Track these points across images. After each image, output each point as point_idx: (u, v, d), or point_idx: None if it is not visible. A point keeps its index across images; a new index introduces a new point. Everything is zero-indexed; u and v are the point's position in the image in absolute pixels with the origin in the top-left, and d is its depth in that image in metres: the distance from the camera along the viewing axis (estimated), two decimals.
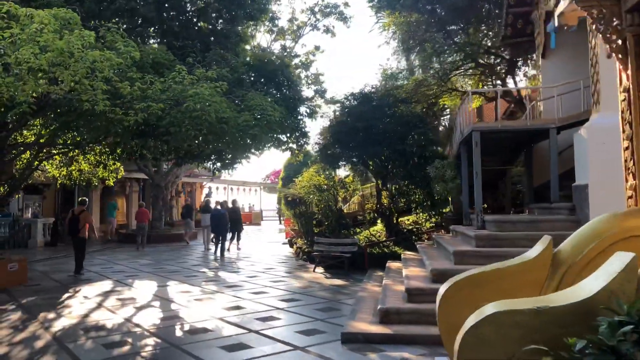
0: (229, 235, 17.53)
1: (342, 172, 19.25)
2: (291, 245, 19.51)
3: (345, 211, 16.15)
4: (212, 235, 17.56)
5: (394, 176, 13.60)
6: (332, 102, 14.01)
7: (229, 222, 17.09)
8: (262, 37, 23.70)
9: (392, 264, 11.47)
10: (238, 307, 8.59)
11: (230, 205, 18.68)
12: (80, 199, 13.52)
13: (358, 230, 15.01)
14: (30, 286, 11.08)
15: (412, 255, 11.42)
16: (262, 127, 9.93)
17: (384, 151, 12.83)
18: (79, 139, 12.65)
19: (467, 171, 10.97)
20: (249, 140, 10.15)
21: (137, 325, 7.42)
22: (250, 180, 43.82)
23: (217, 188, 37.49)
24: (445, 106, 18.43)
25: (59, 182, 16.86)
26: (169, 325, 7.43)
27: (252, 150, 11.17)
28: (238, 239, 18.64)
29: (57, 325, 7.47)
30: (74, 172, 15.60)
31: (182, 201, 33.58)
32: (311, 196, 14.33)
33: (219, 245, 16.83)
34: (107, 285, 11.20)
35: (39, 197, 22.93)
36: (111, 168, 15.64)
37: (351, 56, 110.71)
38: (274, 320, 7.63)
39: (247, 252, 18.16)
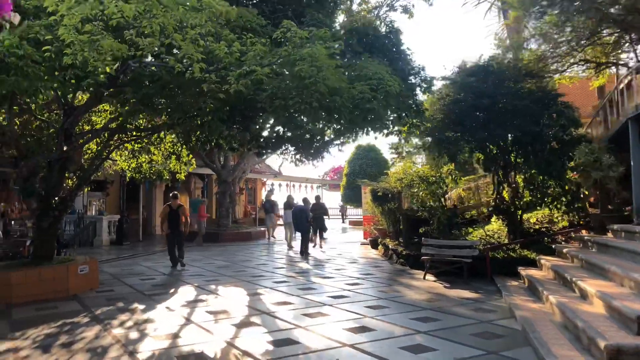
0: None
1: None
2: (374, 246, 17.68)
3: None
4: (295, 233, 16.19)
5: (517, 165, 11.25)
6: (436, 80, 11.62)
7: (309, 218, 15.52)
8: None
9: (534, 272, 9.24)
10: (365, 329, 6.65)
11: (313, 200, 17.03)
12: (172, 193, 13.03)
13: (470, 230, 12.76)
14: (102, 292, 9.62)
15: (560, 262, 9.16)
16: (380, 100, 7.93)
17: (511, 134, 10.58)
18: (153, 123, 11.11)
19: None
20: (361, 118, 8.18)
21: (247, 354, 5.60)
22: (312, 177, 41.98)
23: (280, 185, 35.92)
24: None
25: (128, 175, 15.46)
26: (289, 355, 5.56)
27: (368, 130, 9.17)
28: (322, 238, 16.96)
29: (144, 350, 5.77)
30: (144, 165, 14.14)
31: (243, 198, 32.32)
32: (414, 190, 12.22)
33: (303, 244, 15.24)
34: (188, 292, 9.59)
35: (103, 193, 22.02)
36: (184, 160, 14.08)
37: (430, 34, 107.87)
38: (428, 352, 5.61)
39: (328, 253, 16.35)
